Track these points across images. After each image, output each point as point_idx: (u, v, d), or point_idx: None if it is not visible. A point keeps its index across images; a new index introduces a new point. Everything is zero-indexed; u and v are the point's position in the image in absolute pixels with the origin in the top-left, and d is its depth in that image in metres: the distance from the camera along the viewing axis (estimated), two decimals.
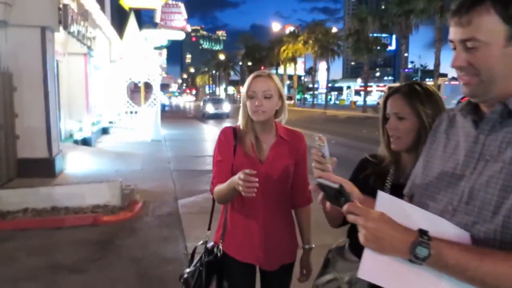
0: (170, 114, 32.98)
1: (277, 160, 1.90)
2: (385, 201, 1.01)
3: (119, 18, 25.29)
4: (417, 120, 1.44)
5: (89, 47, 11.42)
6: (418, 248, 0.88)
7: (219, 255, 1.97)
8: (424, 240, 0.89)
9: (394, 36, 49.64)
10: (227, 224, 1.99)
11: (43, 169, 7.13)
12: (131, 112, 17.60)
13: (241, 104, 1.94)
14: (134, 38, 17.71)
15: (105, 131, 14.45)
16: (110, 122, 15.90)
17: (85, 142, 10.91)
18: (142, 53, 17.66)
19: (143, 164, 9.15)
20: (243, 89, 1.91)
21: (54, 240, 4.74)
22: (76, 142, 10.60)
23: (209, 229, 2.18)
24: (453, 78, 25.90)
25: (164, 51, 36.47)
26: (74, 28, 9.53)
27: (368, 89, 46.22)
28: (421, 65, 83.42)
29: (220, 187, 1.86)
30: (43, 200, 5.56)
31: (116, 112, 17.22)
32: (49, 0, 7.37)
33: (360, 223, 0.94)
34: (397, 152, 1.53)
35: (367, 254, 0.95)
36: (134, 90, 25.01)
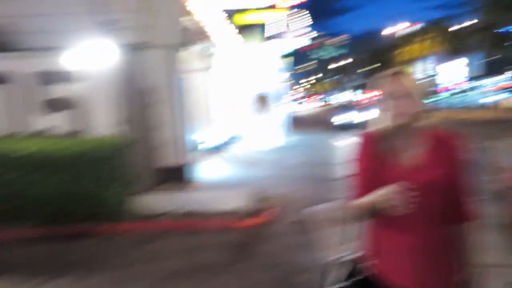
0: (297, 121, 33.28)
1: (427, 168, 1.60)
2: None
3: (243, 32, 26.46)
4: None
5: (208, 62, 12.07)
6: None
7: (365, 274, 1.72)
8: None
9: None
10: (373, 243, 1.73)
11: (179, 176, 7.60)
12: (260, 121, 18.09)
13: (378, 108, 1.69)
14: (257, 50, 18.27)
15: (234, 140, 15.09)
16: (238, 132, 16.57)
17: (216, 150, 11.46)
18: (266, 64, 18.12)
19: (274, 170, 9.20)
20: (380, 91, 1.67)
21: (191, 243, 4.93)
22: (208, 150, 11.20)
23: (342, 243, 1.97)
24: None
25: (289, 60, 37.10)
26: (193, 46, 10.13)
27: None
28: None
29: (363, 201, 1.61)
30: (181, 205, 5.89)
31: (243, 121, 17.89)
32: (174, 23, 7.89)
33: None
34: None
35: None
36: (261, 100, 25.85)
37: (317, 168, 9.66)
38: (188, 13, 9.82)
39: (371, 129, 1.72)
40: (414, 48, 45.90)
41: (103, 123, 7.00)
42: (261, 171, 9.07)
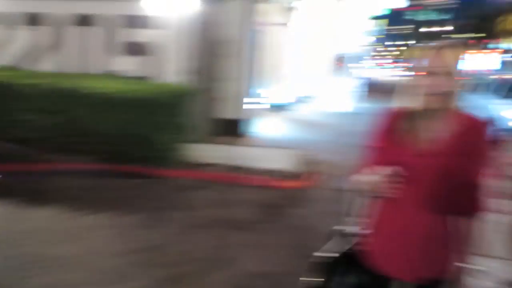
0: (375, 88, 31.86)
1: (447, 154, 1.51)
2: None
3: None
4: None
5: (288, 17, 11.72)
6: None
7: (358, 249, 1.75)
8: None
9: None
10: (375, 222, 1.70)
11: (235, 130, 7.73)
12: (331, 83, 17.58)
13: (410, 82, 1.59)
14: (343, 7, 17.38)
15: (304, 99, 14.87)
16: (308, 92, 16.27)
17: (281, 108, 11.42)
18: (350, 23, 17.24)
19: (333, 136, 8.99)
20: (416, 64, 1.57)
21: (230, 196, 5.09)
22: (276, 107, 11.19)
23: (348, 215, 2.07)
24: None
25: (381, 22, 34.78)
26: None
27: None
28: None
29: (365, 177, 1.60)
30: (230, 158, 6.05)
31: (316, 81, 17.48)
32: None
33: None
34: None
35: None
36: (341, 62, 24.97)
37: None
38: None
39: (398, 104, 1.66)
40: None
41: (174, 70, 7.26)
42: (319, 135, 8.92)
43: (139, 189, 5.15)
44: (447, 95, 1.50)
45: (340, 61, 19.99)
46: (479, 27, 56.45)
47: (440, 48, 1.52)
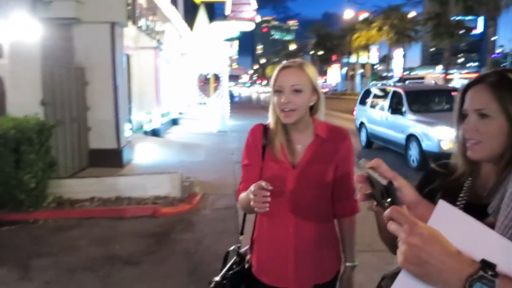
0: (239, 105, 33.36)
1: (313, 163, 1.62)
2: (445, 214, 0.75)
3: (191, 12, 25.98)
4: (507, 120, 1.02)
5: (159, 41, 11.77)
6: (477, 285, 0.65)
7: (246, 266, 1.78)
8: (487, 276, 0.65)
9: (480, 19, 45.67)
10: (255, 236, 1.77)
11: (112, 159, 7.43)
12: (201, 104, 18.00)
13: (270, 101, 1.67)
14: (204, 31, 18.02)
15: (174, 122, 14.91)
16: (180, 114, 16.40)
17: (155, 133, 11.29)
18: (212, 46, 17.92)
19: (207, 156, 9.23)
20: (270, 83, 1.65)
21: (114, 230, 4.87)
22: (146, 133, 11.01)
23: (241, 233, 2.00)
24: None
25: (235, 43, 36.91)
26: (143, 22, 9.84)
27: (449, 77, 42.96)
28: None
29: (242, 195, 1.66)
30: (108, 190, 5.78)
31: (186, 103, 17.71)
32: None
33: (402, 236, 0.70)
34: (475, 161, 1.13)
35: (402, 279, 0.72)
36: (204, 82, 25.62)
37: None
38: None
39: (269, 119, 1.70)
40: (368, 34, 47.13)
41: (28, 102, 6.60)
42: (197, 156, 9.08)
43: (8, 236, 4.60)
44: (300, 111, 1.58)
45: (208, 82, 20.55)
46: (330, 45, 63.60)
47: (288, 67, 1.60)
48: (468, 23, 37.87)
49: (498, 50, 64.34)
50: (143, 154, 8.59)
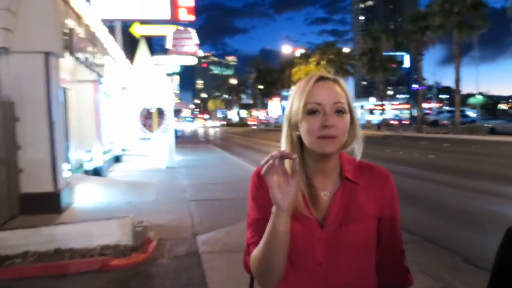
0: (183, 140, 32.63)
1: (348, 220, 1.16)
2: None
3: (131, 46, 25.34)
4: None
5: (98, 74, 11.00)
6: None
7: None
8: None
9: (408, 55, 49.26)
10: None
11: (49, 204, 6.52)
12: (145, 139, 17.11)
13: (283, 127, 1.20)
14: (145, 65, 17.42)
15: (117, 159, 13.93)
16: (123, 150, 15.42)
17: (97, 172, 10.33)
18: (154, 79, 17.31)
19: (158, 194, 8.48)
20: (291, 104, 1.16)
21: None
22: (86, 172, 10.04)
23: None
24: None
25: (176, 77, 36.56)
26: (81, 54, 9.11)
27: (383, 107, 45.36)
28: (435, 82, 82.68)
29: (257, 249, 1.12)
30: (45, 241, 4.90)
31: (129, 139, 16.77)
32: (54, 25, 6.90)
33: None
34: None
35: None
36: (147, 117, 24.73)
37: (205, 189, 9.23)
38: (75, 16, 8.76)
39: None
40: (306, 68, 48.73)
41: None
42: (147, 195, 8.30)
43: None
44: (340, 139, 1.17)
45: (152, 117, 19.72)
46: (270, 79, 65.05)
47: (326, 78, 1.16)
48: (397, 58, 40.58)
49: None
50: (85, 196, 7.68)
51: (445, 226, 6.11)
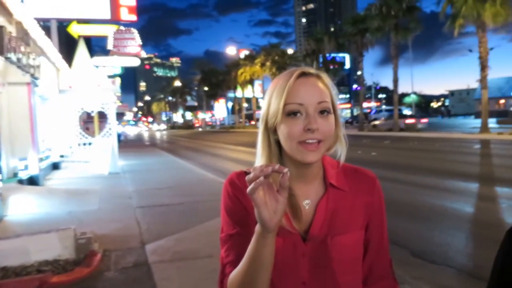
0: (126, 144, 31.56)
1: (333, 231, 1.04)
2: None
3: (69, 46, 24.07)
4: None
5: (33, 76, 10.26)
6: None
7: None
8: None
9: (348, 56, 51.15)
10: None
11: None
12: (85, 144, 16.28)
13: (259, 130, 1.06)
14: (85, 66, 16.58)
15: (56, 166, 13.09)
16: (61, 156, 14.55)
17: (32, 180, 9.60)
18: (94, 82, 16.51)
19: (101, 203, 8.02)
20: (268, 105, 1.02)
21: None
22: (21, 181, 9.30)
23: None
24: None
25: (118, 79, 35.28)
26: (13, 54, 8.45)
27: None
28: (374, 82, 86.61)
29: (236, 272, 0.97)
30: None
31: (68, 144, 15.86)
32: None
33: None
34: None
35: None
36: (87, 121, 23.61)
37: (152, 194, 8.88)
38: (5, 13, 8.07)
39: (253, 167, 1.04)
40: (252, 70, 48.89)
41: None
42: (89, 204, 7.82)
43: None
44: (325, 143, 1.05)
45: (92, 121, 18.82)
46: (215, 81, 64.63)
47: (307, 74, 1.02)
48: (339, 60, 42.03)
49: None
50: (20, 208, 7.09)
51: (393, 221, 6.28)
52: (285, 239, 1.01)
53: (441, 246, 5.13)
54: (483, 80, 23.98)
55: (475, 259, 4.81)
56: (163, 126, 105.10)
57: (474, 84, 49.90)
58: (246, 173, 1.08)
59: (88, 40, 26.81)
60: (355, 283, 1.08)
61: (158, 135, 61.03)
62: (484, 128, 23.65)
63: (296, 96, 0.98)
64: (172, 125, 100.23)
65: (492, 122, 28.58)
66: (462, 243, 5.39)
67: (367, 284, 1.11)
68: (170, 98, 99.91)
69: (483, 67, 23.50)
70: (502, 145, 18.50)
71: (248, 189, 0.85)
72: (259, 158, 1.05)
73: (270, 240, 0.91)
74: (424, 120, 32.51)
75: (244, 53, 63.12)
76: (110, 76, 24.01)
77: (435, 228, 5.93)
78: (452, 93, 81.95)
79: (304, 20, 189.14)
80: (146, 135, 64.38)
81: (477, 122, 30.20)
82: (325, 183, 1.08)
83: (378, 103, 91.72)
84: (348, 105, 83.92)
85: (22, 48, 9.67)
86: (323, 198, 1.05)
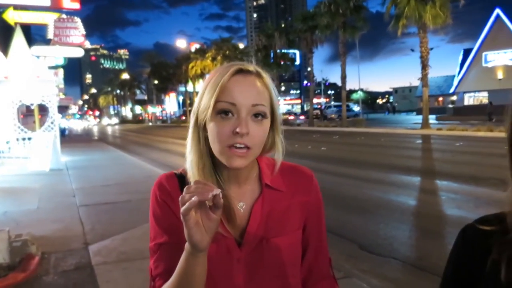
0: (71, 139, 30.16)
1: (269, 234, 0.98)
2: None
3: (3, 34, 22.51)
4: None
5: None
6: None
7: None
8: None
9: (298, 52, 51.88)
10: None
11: None
12: (24, 139, 15.27)
13: (190, 125, 0.98)
14: (22, 56, 15.53)
15: None
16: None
17: None
18: (33, 72, 15.51)
19: (40, 202, 7.55)
20: (200, 99, 0.94)
21: None
22: None
23: None
24: None
25: (61, 71, 33.56)
26: None
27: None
28: (323, 79, 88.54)
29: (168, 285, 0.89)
30: None
31: (4, 139, 14.80)
32: None
33: None
34: None
35: None
36: (26, 114, 22.24)
37: (97, 192, 8.47)
38: None
39: (184, 168, 0.99)
40: (202, 64, 48.22)
41: None
42: (27, 203, 7.33)
43: None
44: (255, 149, 0.97)
45: (29, 113, 17.73)
46: (159, 75, 63.14)
47: (245, 70, 0.94)
48: (291, 55, 42.53)
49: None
50: None
51: (341, 215, 6.41)
52: (219, 244, 0.94)
53: (387, 239, 5.29)
54: (424, 78, 25.20)
55: (419, 250, 5.00)
56: (114, 120, 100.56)
57: (416, 82, 52.37)
58: (177, 175, 1.00)
59: (27, 28, 25.25)
60: (294, 286, 1.02)
61: (109, 130, 58.63)
62: (425, 124, 24.89)
63: (228, 94, 0.90)
64: (122, 119, 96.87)
65: (432, 119, 30.18)
66: (406, 235, 5.58)
67: (307, 286, 1.07)
68: (118, 91, 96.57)
69: (424, 66, 24.69)
70: (441, 140, 19.59)
71: (182, 210, 0.77)
72: (189, 155, 0.96)
73: (201, 259, 0.84)
74: (302, 117, 38.74)
75: (195, 46, 62.20)
76: (52, 67, 22.77)
77: (381, 221, 6.11)
78: (396, 90, 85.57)
79: (255, 15, 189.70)
80: (93, 129, 61.81)
81: (418, 118, 31.78)
82: (260, 183, 1.01)
83: (327, 99, 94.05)
84: (299, 101, 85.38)
85: None
86: (258, 200, 0.99)
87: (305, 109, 59.89)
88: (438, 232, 5.59)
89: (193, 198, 0.76)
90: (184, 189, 0.80)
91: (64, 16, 21.69)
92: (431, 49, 25.90)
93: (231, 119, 0.89)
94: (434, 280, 3.80)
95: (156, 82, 67.61)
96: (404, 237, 5.46)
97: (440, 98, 53.76)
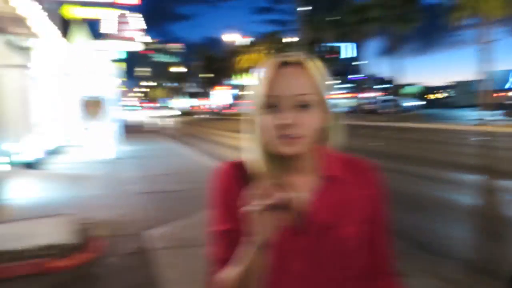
0: (130, 129, 31.50)
1: (331, 223, 0.98)
2: None
3: (64, 29, 23.82)
4: None
5: (29, 58, 10.10)
6: None
7: None
8: None
9: (348, 45, 50.59)
10: None
11: None
12: (88, 129, 16.15)
13: (243, 121, 1.03)
14: (86, 50, 16.39)
15: (56, 151, 13.03)
16: (64, 141, 14.48)
17: (30, 165, 9.53)
18: (96, 66, 16.34)
19: (104, 188, 7.97)
20: (249, 92, 1.00)
21: None
22: (21, 165, 9.24)
23: None
24: None
25: (122, 64, 35.04)
26: (8, 35, 8.29)
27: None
28: (373, 73, 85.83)
29: (229, 276, 0.92)
30: None
31: (70, 129, 15.75)
32: None
33: None
34: None
35: None
36: (91, 105, 23.48)
37: (157, 180, 8.81)
38: None
39: (241, 156, 1.03)
40: (251, 57, 48.58)
41: None
42: (93, 189, 7.77)
43: None
44: (307, 138, 1.00)
45: (93, 105, 18.70)
46: (213, 68, 64.27)
47: (288, 63, 0.98)
48: (336, 49, 41.68)
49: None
50: (20, 192, 7.04)
51: (397, 213, 6.21)
52: (280, 233, 0.95)
53: (446, 239, 5.07)
54: (486, 72, 23.71)
55: (481, 252, 4.76)
56: (175, 112, 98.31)
57: (476, 76, 49.42)
58: (237, 165, 1.03)
59: (89, 23, 26.57)
60: (354, 279, 1.02)
61: (168, 121, 60.21)
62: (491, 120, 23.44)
63: (273, 87, 0.94)
64: (183, 112, 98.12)
65: (495, 115, 28.33)
66: (466, 236, 5.33)
67: (367, 280, 1.05)
68: (173, 84, 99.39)
69: (485, 59, 23.20)
70: (507, 137, 18.36)
71: (252, 208, 0.81)
72: (246, 146, 1.01)
73: (265, 253, 0.87)
74: None
75: (244, 40, 62.63)
76: (114, 61, 23.84)
77: (439, 220, 5.87)
78: (457, 84, 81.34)
79: (305, 8, 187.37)
80: (152, 121, 64.11)
81: (483, 114, 29.87)
82: (321, 174, 1.01)
83: (383, 93, 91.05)
84: (352, 95, 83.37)
85: (17, 29, 9.49)
86: (320, 190, 1.00)
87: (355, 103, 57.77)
88: (501, 234, 5.28)
89: (266, 201, 0.80)
90: (256, 186, 0.83)
91: (124, 12, 22.66)
92: (492, 41, 24.25)
93: (277, 111, 0.93)
94: (495, 286, 3.60)
95: (210, 75, 68.91)
96: (465, 238, 5.21)
97: (500, 94, 50.50)
